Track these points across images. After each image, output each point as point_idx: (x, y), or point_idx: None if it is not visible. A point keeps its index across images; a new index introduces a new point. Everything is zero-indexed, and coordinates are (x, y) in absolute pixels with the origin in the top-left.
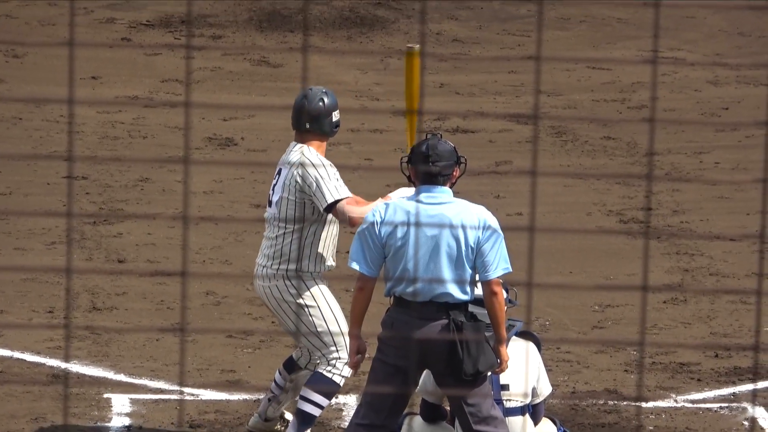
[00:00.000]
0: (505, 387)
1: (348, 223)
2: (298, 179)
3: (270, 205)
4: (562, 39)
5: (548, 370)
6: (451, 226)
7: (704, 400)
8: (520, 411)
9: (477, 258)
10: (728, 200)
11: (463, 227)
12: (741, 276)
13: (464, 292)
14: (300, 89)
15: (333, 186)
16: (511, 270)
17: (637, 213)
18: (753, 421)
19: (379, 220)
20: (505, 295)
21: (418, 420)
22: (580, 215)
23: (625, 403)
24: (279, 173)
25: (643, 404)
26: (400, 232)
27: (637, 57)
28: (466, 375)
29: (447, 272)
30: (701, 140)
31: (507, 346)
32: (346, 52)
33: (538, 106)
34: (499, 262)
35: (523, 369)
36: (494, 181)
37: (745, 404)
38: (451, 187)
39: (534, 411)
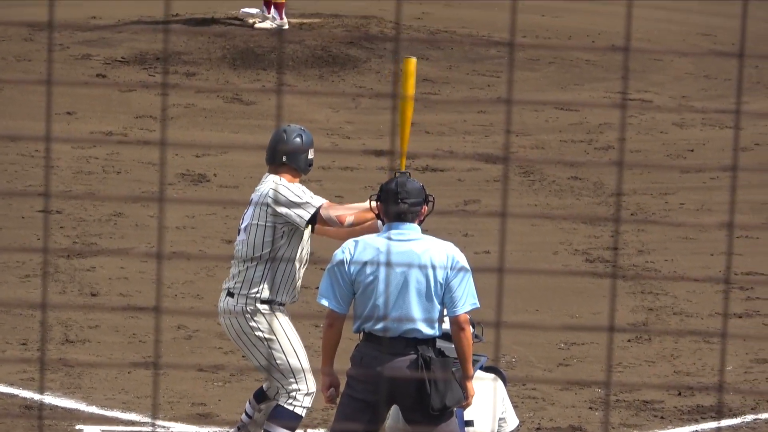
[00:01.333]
0: (470, 423)
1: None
2: (270, 202)
3: (239, 234)
4: (531, 80)
5: (514, 407)
6: (420, 263)
7: None
8: None
9: (445, 294)
10: (693, 241)
11: (432, 264)
12: (705, 316)
13: (432, 328)
14: (272, 127)
15: (308, 198)
16: (479, 306)
17: (603, 252)
18: None
19: (348, 257)
20: (471, 330)
21: None
22: (547, 254)
23: None
24: (251, 203)
25: None
26: (369, 269)
27: (605, 99)
28: (433, 410)
29: (416, 308)
30: (667, 181)
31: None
32: (318, 91)
33: (508, 146)
34: (467, 298)
35: (488, 405)
36: (462, 219)
37: None
38: (419, 224)
39: None
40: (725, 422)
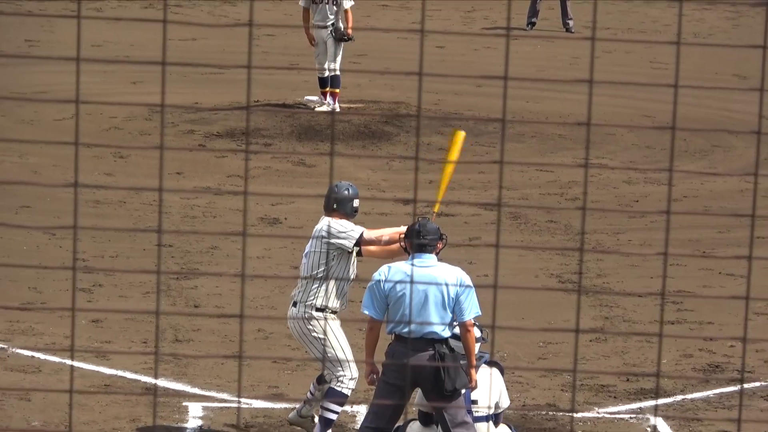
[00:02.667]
0: (474, 401)
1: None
2: (324, 234)
3: (303, 258)
4: (518, 149)
5: (506, 389)
6: (437, 283)
7: (618, 412)
8: (485, 419)
9: (455, 305)
10: (637, 267)
11: (446, 283)
12: (646, 322)
13: (445, 331)
14: (328, 183)
15: (350, 228)
16: (480, 314)
17: (571, 276)
18: (654, 428)
19: (383, 278)
20: (479, 333)
21: (416, 424)
22: (530, 277)
23: (561, 413)
24: (312, 237)
25: (574, 415)
26: (399, 287)
27: (573, 162)
28: (446, 392)
29: (433, 316)
30: (618, 224)
31: (477, 371)
32: (361, 156)
33: (500, 197)
34: (471, 308)
35: (488, 388)
36: (468, 251)
37: (648, 416)
38: (436, 255)
39: (495, 419)
40: (661, 401)
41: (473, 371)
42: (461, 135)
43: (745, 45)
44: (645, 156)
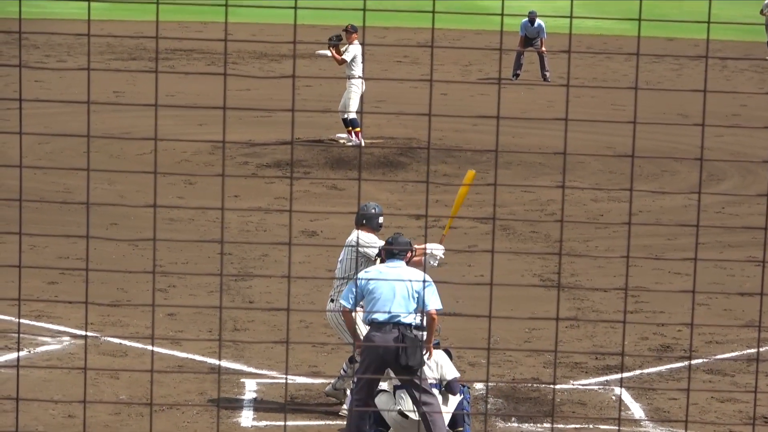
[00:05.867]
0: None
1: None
2: (355, 245)
3: (338, 264)
4: (507, 174)
5: (497, 366)
6: (403, 279)
7: (589, 384)
8: (436, 386)
9: (419, 299)
10: (603, 268)
11: (410, 281)
12: (611, 312)
13: (410, 319)
14: (356, 204)
15: (374, 242)
16: (441, 307)
17: (550, 275)
18: (618, 397)
19: (363, 276)
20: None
21: (384, 394)
22: (517, 276)
23: (543, 385)
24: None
25: (554, 386)
26: (372, 284)
27: (550, 184)
28: (401, 366)
29: (401, 307)
30: (587, 234)
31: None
32: (381, 181)
33: (494, 213)
34: (433, 301)
35: (433, 364)
36: (467, 256)
37: (613, 387)
38: (407, 263)
39: (448, 386)
40: (624, 375)
41: (431, 347)
42: (471, 174)
43: (687, 89)
44: (608, 179)
